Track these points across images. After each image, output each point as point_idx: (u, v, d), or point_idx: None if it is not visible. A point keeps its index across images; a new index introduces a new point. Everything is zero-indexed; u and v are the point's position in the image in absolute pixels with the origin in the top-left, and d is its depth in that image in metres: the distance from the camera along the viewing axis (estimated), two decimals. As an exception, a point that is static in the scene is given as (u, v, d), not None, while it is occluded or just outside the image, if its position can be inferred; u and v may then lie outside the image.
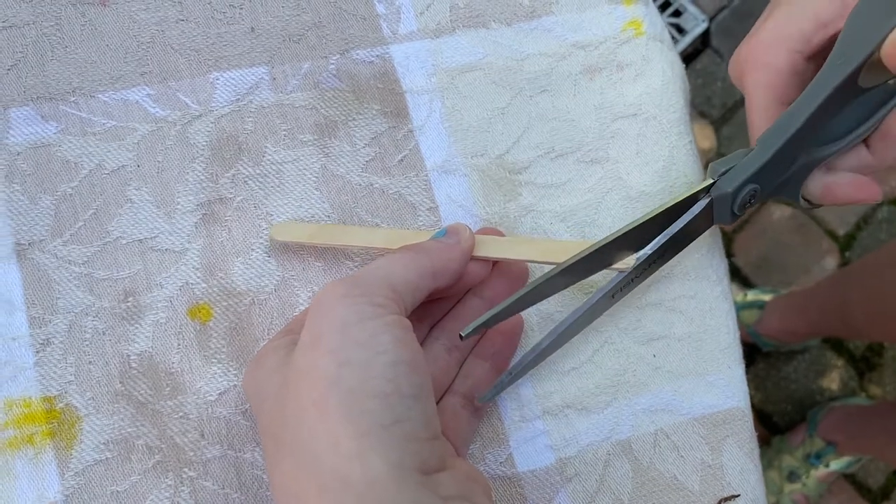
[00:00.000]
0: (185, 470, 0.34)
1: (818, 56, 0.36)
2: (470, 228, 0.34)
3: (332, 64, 0.39)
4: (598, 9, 0.42)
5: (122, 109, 0.37)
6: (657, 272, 0.38)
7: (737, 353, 0.39)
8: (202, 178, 0.37)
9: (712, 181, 0.34)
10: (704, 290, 0.39)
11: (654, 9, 0.43)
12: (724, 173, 0.34)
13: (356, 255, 0.37)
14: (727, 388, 0.38)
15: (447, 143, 0.39)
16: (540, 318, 0.38)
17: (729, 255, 1.33)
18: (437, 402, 0.34)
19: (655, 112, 0.41)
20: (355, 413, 0.25)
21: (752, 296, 1.24)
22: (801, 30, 0.35)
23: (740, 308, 1.22)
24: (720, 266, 0.40)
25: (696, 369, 0.38)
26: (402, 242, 0.34)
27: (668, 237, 0.34)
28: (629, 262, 0.34)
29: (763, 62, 0.36)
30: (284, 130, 0.38)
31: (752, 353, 1.29)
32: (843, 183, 0.36)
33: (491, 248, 0.34)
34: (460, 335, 0.30)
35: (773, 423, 1.28)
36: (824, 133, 0.35)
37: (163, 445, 0.34)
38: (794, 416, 1.29)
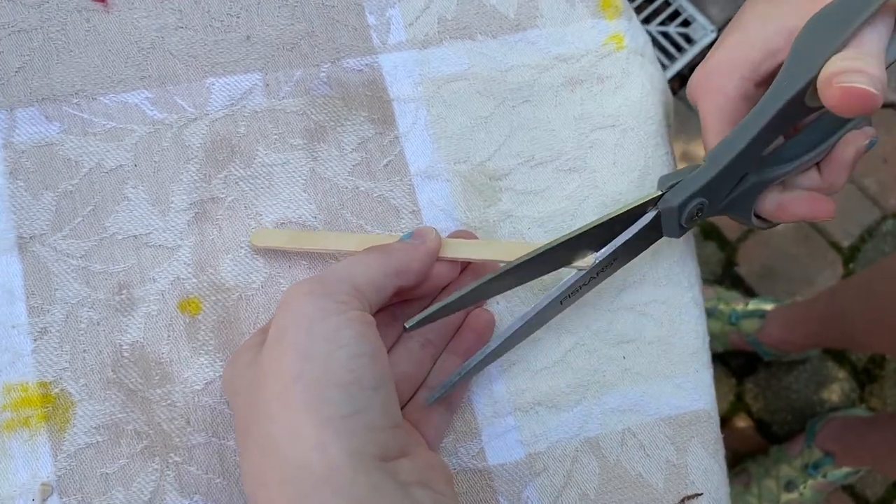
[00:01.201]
0: (171, 455, 0.36)
1: (767, 82, 0.37)
2: (437, 232, 0.35)
3: (324, 72, 0.41)
4: (582, 23, 0.43)
5: (121, 111, 0.39)
6: (630, 277, 0.40)
7: (705, 357, 0.41)
8: (196, 178, 0.39)
9: (660, 193, 0.36)
10: (676, 295, 0.41)
11: (636, 23, 0.44)
12: (671, 186, 0.36)
13: (340, 255, 0.39)
14: (694, 391, 0.40)
15: (431, 149, 0.41)
16: (511, 317, 0.39)
17: (733, 264, 1.34)
18: (412, 396, 0.36)
19: (633, 123, 0.42)
20: (316, 404, 0.27)
21: (753, 305, 1.25)
22: (750, 58, 0.37)
23: (742, 317, 1.22)
24: (692, 273, 0.41)
25: (665, 371, 0.40)
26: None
27: (617, 245, 0.35)
28: (589, 260, 0.35)
29: (715, 87, 0.38)
30: (275, 134, 0.40)
31: (753, 362, 1.30)
32: (797, 199, 0.38)
33: (458, 250, 0.36)
34: (405, 326, 0.32)
35: (773, 433, 1.29)
36: (778, 155, 0.37)
37: (151, 431, 0.36)
38: (793, 426, 1.29)
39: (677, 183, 0.36)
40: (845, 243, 1.36)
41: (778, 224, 0.40)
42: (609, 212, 0.36)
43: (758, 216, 0.39)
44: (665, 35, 1.37)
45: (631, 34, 0.44)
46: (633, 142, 0.42)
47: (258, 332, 0.33)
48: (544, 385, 0.39)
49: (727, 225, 1.35)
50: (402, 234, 0.37)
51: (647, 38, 0.45)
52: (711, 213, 0.37)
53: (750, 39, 0.37)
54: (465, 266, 0.38)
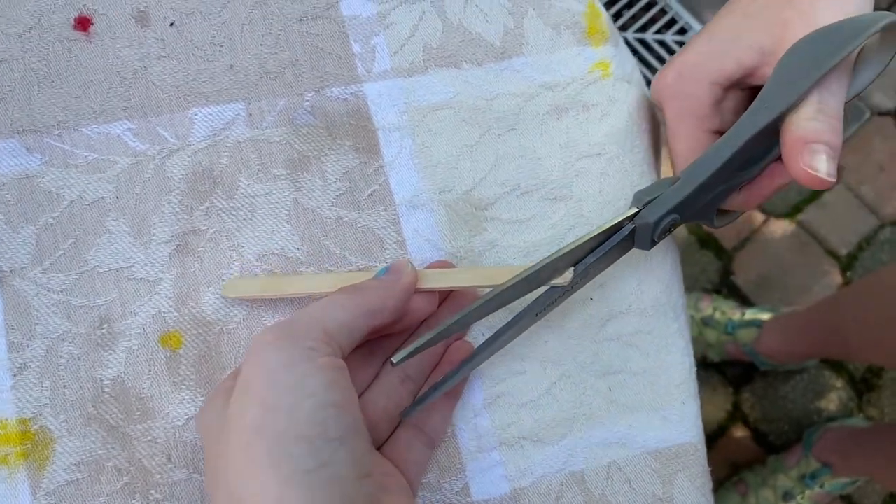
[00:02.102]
0: (152, 492, 0.35)
1: (736, 86, 0.39)
2: (412, 265, 0.35)
3: (308, 101, 0.41)
4: (567, 50, 0.43)
5: (103, 143, 0.39)
6: (616, 307, 0.39)
7: (692, 388, 0.40)
8: (178, 210, 0.39)
9: (637, 210, 0.36)
10: (662, 326, 0.41)
11: (623, 49, 0.44)
12: (648, 202, 0.36)
13: (319, 296, 0.38)
14: (680, 424, 0.40)
15: (416, 178, 0.41)
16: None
17: (729, 273, 1.34)
18: (391, 434, 0.35)
19: (619, 152, 0.42)
20: (279, 459, 0.26)
21: (750, 315, 1.24)
22: (724, 68, 0.38)
23: (738, 327, 1.22)
24: (678, 303, 0.41)
25: (651, 404, 0.40)
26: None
27: (592, 260, 0.36)
28: (567, 276, 0.35)
29: (685, 92, 0.39)
30: (258, 165, 0.40)
31: (750, 371, 1.29)
32: (763, 179, 0.38)
33: (435, 280, 0.36)
34: (391, 362, 0.31)
35: (770, 443, 1.29)
36: (744, 161, 0.37)
37: (131, 468, 0.36)
38: (790, 436, 1.29)
39: (653, 199, 0.36)
40: (842, 251, 1.36)
41: (738, 217, 0.42)
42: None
43: (720, 211, 0.40)
44: (661, 43, 1.37)
45: (618, 61, 0.43)
46: (618, 170, 0.42)
47: (230, 375, 0.32)
48: (529, 419, 0.39)
49: (724, 234, 1.34)
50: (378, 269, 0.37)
51: (635, 64, 0.45)
52: (681, 223, 0.37)
53: (723, 49, 0.38)
54: (446, 296, 0.37)
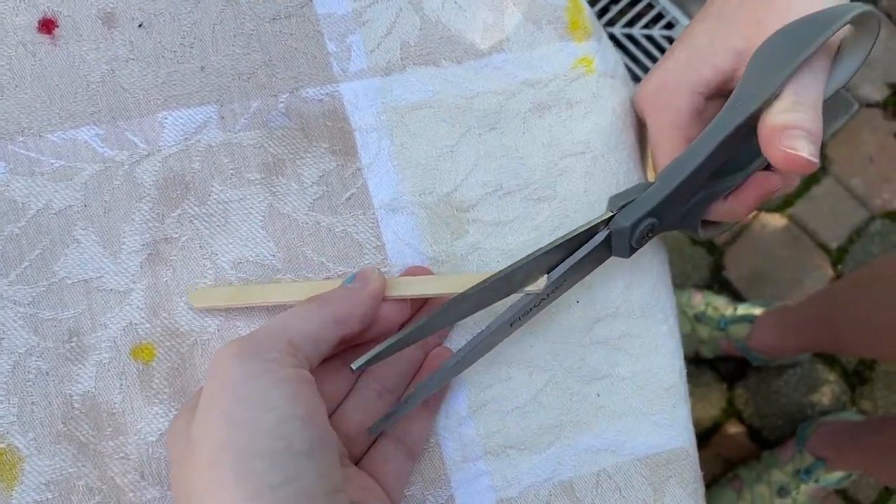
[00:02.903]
0: (125, 511, 0.34)
1: (718, 95, 0.38)
2: (380, 272, 0.34)
3: (282, 102, 0.39)
4: (549, 46, 0.42)
5: (70, 149, 0.37)
6: (603, 310, 0.38)
7: (682, 392, 0.39)
8: (148, 217, 0.37)
9: (611, 214, 0.35)
10: (650, 328, 0.39)
11: (607, 44, 0.43)
12: (622, 207, 0.35)
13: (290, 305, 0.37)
14: (671, 428, 0.38)
15: (395, 180, 0.39)
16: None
17: (720, 268, 1.33)
18: (370, 447, 0.34)
19: (604, 150, 0.41)
20: (244, 475, 0.25)
21: (742, 310, 1.24)
22: (701, 75, 0.37)
23: (730, 322, 1.21)
24: (667, 304, 0.40)
25: (640, 409, 0.38)
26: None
27: (567, 267, 0.35)
28: (540, 283, 0.34)
29: (665, 103, 0.38)
30: (231, 169, 0.38)
31: (743, 367, 1.29)
32: (746, 188, 0.37)
33: (406, 288, 0.35)
34: (351, 367, 0.30)
35: (763, 438, 1.28)
36: (725, 167, 0.36)
37: (103, 486, 0.34)
38: (784, 431, 1.28)
39: (628, 203, 0.35)
40: (833, 245, 1.36)
41: (725, 230, 0.41)
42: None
43: (705, 222, 0.39)
44: (649, 38, 1.36)
45: (601, 56, 0.42)
46: (603, 169, 0.41)
47: (197, 393, 0.31)
48: (516, 426, 0.37)
49: (714, 229, 1.33)
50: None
51: (619, 59, 0.43)
52: (661, 230, 0.36)
53: (700, 56, 0.37)
54: (423, 304, 0.36)
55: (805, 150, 0.30)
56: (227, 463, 0.26)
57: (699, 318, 1.23)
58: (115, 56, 0.39)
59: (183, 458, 0.28)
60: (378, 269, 0.34)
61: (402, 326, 0.36)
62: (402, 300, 0.35)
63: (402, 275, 0.37)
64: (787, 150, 0.31)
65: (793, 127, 0.31)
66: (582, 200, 0.40)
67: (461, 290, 0.33)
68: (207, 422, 0.27)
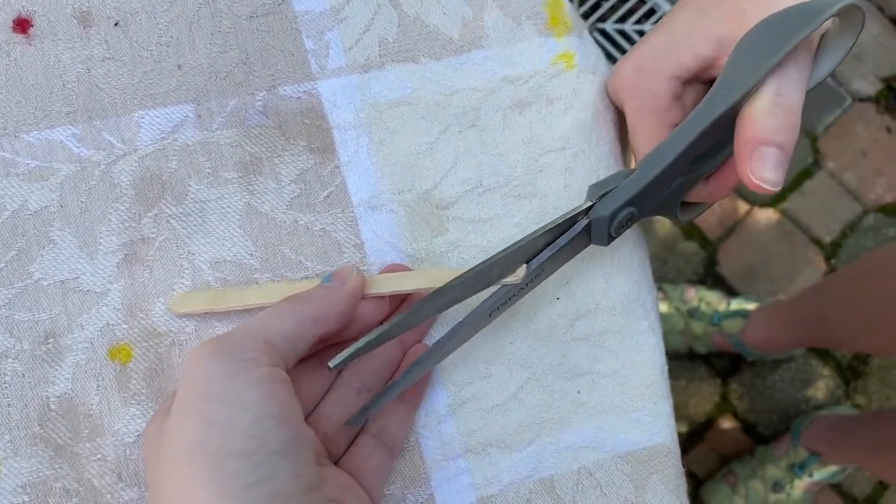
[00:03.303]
0: (102, 512, 0.34)
1: (696, 81, 0.38)
2: (358, 270, 0.34)
3: (259, 100, 0.39)
4: (529, 42, 0.42)
5: (46, 149, 0.37)
6: (584, 306, 0.38)
7: (663, 388, 0.39)
8: (125, 217, 0.37)
9: (591, 203, 0.35)
10: (631, 324, 0.39)
11: (587, 39, 0.43)
12: (602, 196, 0.35)
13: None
14: (652, 425, 0.38)
15: (374, 178, 0.39)
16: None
17: (713, 263, 1.33)
18: (351, 444, 0.34)
19: (584, 146, 0.41)
20: (217, 476, 0.25)
21: (735, 305, 1.24)
22: (681, 60, 0.37)
23: (724, 317, 1.21)
24: (647, 300, 0.40)
25: (621, 405, 0.38)
26: None
27: (546, 257, 0.35)
28: (519, 273, 0.34)
29: (644, 87, 0.38)
30: (209, 168, 0.38)
31: (737, 362, 1.29)
32: (727, 169, 0.37)
33: (384, 285, 0.34)
34: (328, 366, 0.30)
35: (758, 433, 1.28)
36: (707, 151, 0.36)
37: (80, 488, 0.34)
38: (779, 426, 1.28)
39: (608, 192, 0.35)
40: (826, 239, 1.35)
41: (705, 210, 0.41)
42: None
43: (684, 204, 0.39)
44: (641, 34, 1.35)
45: (582, 51, 0.42)
46: (584, 165, 0.41)
47: (172, 395, 0.31)
48: (496, 424, 0.37)
49: (708, 224, 1.33)
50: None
51: (600, 54, 0.43)
52: (640, 218, 0.36)
53: (679, 42, 0.37)
54: (402, 301, 0.36)
55: (770, 179, 0.31)
56: (201, 463, 0.25)
57: (692, 314, 1.23)
58: (90, 55, 0.38)
59: (158, 457, 0.28)
60: (356, 267, 0.34)
61: (381, 324, 0.35)
62: (381, 298, 0.35)
63: (380, 272, 0.37)
64: (753, 178, 0.31)
65: (766, 143, 0.31)
66: (562, 197, 0.40)
67: (440, 285, 0.33)
68: (182, 421, 0.27)
